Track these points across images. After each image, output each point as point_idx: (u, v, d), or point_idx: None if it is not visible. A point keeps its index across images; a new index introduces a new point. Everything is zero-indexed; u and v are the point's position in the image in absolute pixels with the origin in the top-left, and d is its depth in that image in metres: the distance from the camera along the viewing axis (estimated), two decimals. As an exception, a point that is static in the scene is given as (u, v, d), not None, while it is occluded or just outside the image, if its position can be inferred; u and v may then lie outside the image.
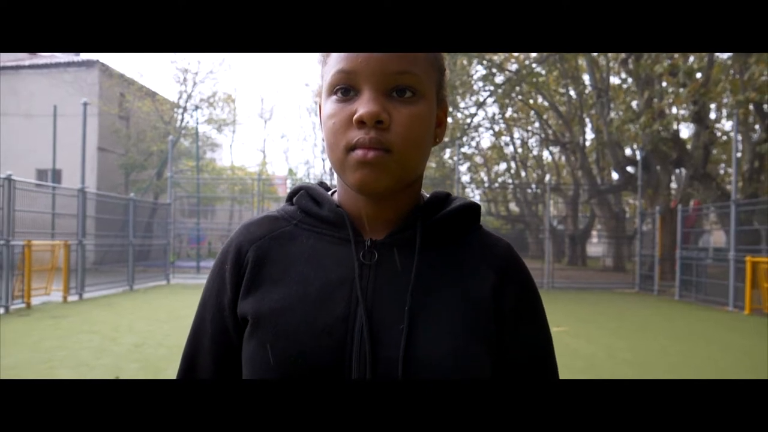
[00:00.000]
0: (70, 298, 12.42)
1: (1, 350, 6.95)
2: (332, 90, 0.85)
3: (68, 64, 24.22)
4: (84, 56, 25.34)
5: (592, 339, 8.58)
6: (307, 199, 0.97)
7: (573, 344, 8.08)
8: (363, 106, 0.81)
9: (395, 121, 0.82)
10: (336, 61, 0.85)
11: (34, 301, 11.32)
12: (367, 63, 0.82)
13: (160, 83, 66.41)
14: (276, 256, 0.93)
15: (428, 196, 0.97)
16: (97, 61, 23.93)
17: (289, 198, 1.00)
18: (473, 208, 0.96)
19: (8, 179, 10.45)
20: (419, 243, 0.89)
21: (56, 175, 22.05)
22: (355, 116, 0.81)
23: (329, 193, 0.98)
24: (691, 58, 15.85)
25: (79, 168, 14.33)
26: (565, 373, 6.25)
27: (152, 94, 26.75)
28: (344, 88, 0.84)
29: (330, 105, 0.85)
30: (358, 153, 0.82)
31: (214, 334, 0.95)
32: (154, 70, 64.24)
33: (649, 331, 9.58)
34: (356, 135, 0.82)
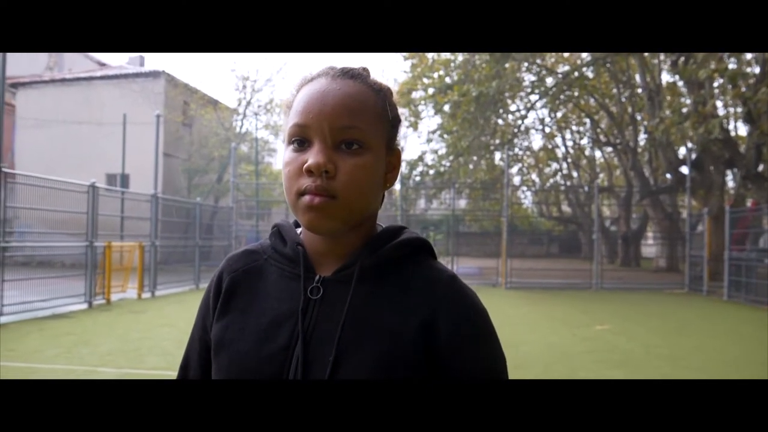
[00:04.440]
0: (144, 295, 13.49)
1: (93, 340, 7.89)
2: (290, 140, 0.94)
3: (136, 75, 25.68)
4: (150, 67, 26.77)
5: (633, 336, 9.01)
6: (276, 236, 1.06)
7: (613, 341, 8.53)
8: (312, 157, 0.90)
9: (341, 170, 0.91)
10: (294, 115, 0.94)
11: (113, 297, 12.38)
12: (317, 119, 0.91)
13: (220, 91, 68.55)
14: (245, 288, 1.02)
15: (380, 230, 1.04)
16: (163, 71, 25.27)
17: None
18: (415, 243, 1.02)
19: (92, 186, 11.50)
20: (355, 279, 0.96)
21: (125, 180, 23.45)
22: (305, 166, 0.90)
23: (299, 230, 1.06)
24: (732, 65, 15.89)
25: (146, 172, 15.38)
26: (600, 366, 6.79)
27: (214, 102, 28.05)
28: (299, 139, 0.93)
29: (287, 154, 0.94)
30: (306, 198, 0.90)
31: (201, 351, 1.05)
32: (215, 79, 66.32)
33: (689, 329, 9.96)
34: (306, 182, 0.90)
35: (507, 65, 19.23)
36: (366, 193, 0.94)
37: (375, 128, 0.95)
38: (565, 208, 37.16)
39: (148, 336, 8.26)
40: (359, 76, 0.97)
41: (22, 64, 26.76)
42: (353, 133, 0.92)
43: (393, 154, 1.01)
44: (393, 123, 1.00)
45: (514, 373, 6.34)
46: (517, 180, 32.32)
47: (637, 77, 23.02)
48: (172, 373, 4.94)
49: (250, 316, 0.98)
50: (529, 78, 23.25)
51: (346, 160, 0.91)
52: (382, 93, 0.98)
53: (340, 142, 0.92)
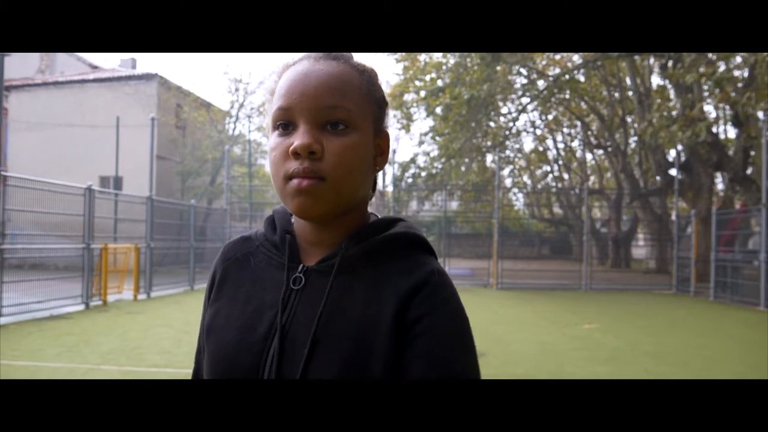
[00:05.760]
0: (140, 297, 13.62)
1: (93, 339, 8.04)
2: (274, 125, 0.92)
3: (129, 78, 25.78)
4: (143, 70, 26.87)
5: (620, 334, 9.24)
6: (268, 223, 1.05)
7: (601, 339, 8.76)
8: (297, 139, 0.88)
9: (328, 151, 0.89)
10: (277, 99, 0.92)
11: (109, 298, 12.52)
12: (301, 100, 0.89)
13: (213, 94, 68.75)
14: (235, 276, 1.01)
15: (372, 220, 1.01)
16: (156, 74, 25.38)
17: None
18: (405, 238, 0.98)
19: (89, 189, 11.64)
20: (335, 270, 0.93)
21: (118, 182, 23.54)
22: (291, 148, 0.88)
23: (293, 219, 1.03)
24: (722, 68, 16.17)
25: (138, 175, 15.52)
26: (588, 363, 7.00)
27: (207, 105, 28.19)
28: (284, 123, 0.91)
29: (273, 139, 0.92)
30: (294, 182, 0.88)
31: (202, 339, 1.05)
32: (208, 82, 66.47)
33: (674, 328, 10.21)
34: (293, 165, 0.88)
35: (498, 68, 19.46)
36: (355, 174, 0.92)
37: (361, 108, 0.93)
38: (556, 210, 37.47)
39: (147, 335, 8.42)
40: (342, 57, 0.96)
41: (13, 67, 26.78)
42: (339, 113, 0.90)
43: (381, 136, 0.99)
44: (379, 104, 0.98)
45: (505, 369, 6.57)
46: (508, 182, 32.66)
47: (628, 80, 23.34)
48: (172, 371, 5.26)
49: (237, 303, 0.98)
50: (520, 81, 23.52)
51: (332, 140, 0.89)
52: (366, 74, 0.97)
53: (326, 122, 0.90)
